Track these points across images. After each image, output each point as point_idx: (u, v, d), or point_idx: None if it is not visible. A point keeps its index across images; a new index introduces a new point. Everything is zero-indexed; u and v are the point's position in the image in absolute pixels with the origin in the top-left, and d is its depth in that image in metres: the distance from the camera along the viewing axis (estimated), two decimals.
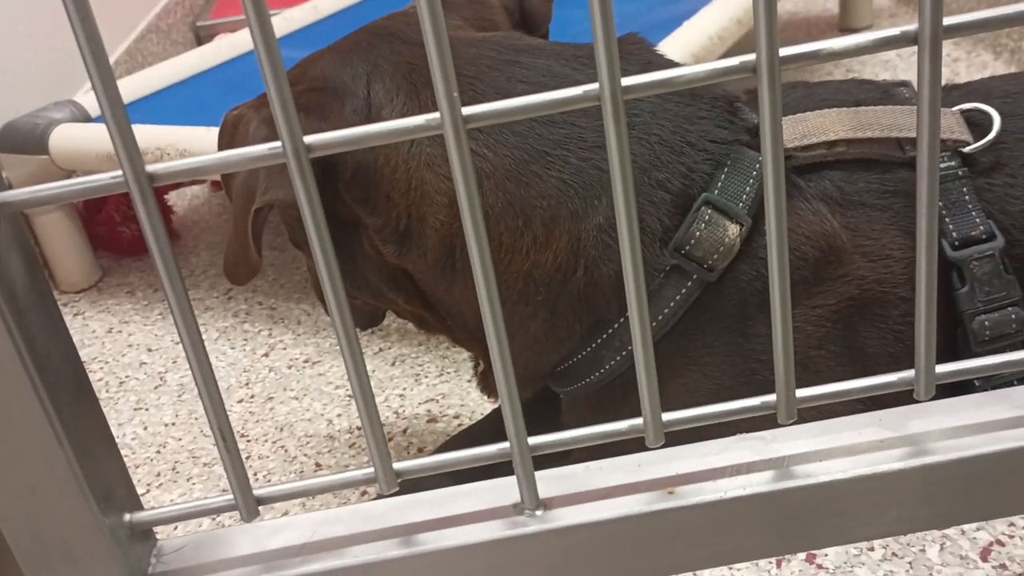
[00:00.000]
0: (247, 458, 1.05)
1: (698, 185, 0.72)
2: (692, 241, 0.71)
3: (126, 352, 1.35)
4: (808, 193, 0.72)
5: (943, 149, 0.71)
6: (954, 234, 0.69)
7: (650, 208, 0.72)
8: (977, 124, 0.73)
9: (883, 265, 0.71)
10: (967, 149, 0.72)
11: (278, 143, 0.38)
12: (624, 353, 0.73)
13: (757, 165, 0.71)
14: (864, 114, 0.73)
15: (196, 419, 1.17)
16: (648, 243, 0.72)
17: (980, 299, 0.68)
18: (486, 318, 0.42)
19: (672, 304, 0.71)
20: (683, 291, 0.71)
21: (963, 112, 0.74)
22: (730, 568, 0.80)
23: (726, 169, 0.72)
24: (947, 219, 0.69)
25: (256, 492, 0.46)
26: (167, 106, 1.53)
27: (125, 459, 0.49)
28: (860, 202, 0.72)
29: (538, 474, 0.47)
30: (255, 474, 1.06)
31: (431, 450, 1.05)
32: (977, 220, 0.69)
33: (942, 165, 0.71)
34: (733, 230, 0.70)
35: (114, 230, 1.59)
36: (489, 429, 0.98)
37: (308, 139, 0.38)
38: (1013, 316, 0.69)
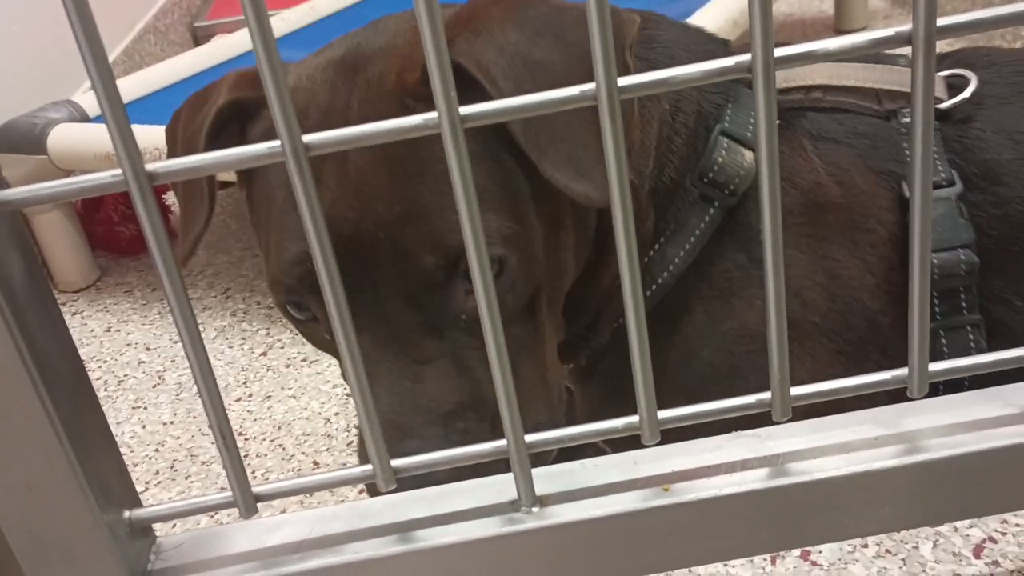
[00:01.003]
0: (245, 456, 1.05)
1: (712, 117, 0.76)
2: (715, 167, 0.75)
3: (124, 351, 1.36)
4: (789, 130, 0.77)
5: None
6: None
7: (676, 138, 0.75)
8: (959, 88, 0.77)
9: (852, 196, 0.75)
10: (942, 105, 0.76)
11: (277, 142, 0.39)
12: (652, 288, 0.76)
13: (745, 91, 0.78)
14: (843, 67, 0.77)
15: (194, 418, 1.17)
16: (680, 169, 0.75)
17: (932, 238, 0.71)
18: (483, 311, 0.42)
19: (698, 232, 0.75)
20: (707, 218, 0.75)
21: (946, 78, 0.78)
22: (725, 564, 0.80)
23: (730, 105, 0.77)
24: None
25: (255, 489, 0.46)
26: (165, 106, 1.53)
27: (123, 457, 0.50)
28: (832, 139, 0.76)
29: (534, 471, 0.48)
30: (253, 472, 1.06)
31: None
32: (939, 167, 0.74)
33: None
34: (749, 156, 0.74)
35: (112, 230, 1.60)
36: None
37: (307, 138, 0.39)
38: (962, 257, 0.72)
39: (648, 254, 0.76)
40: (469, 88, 0.59)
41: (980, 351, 0.73)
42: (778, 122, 0.38)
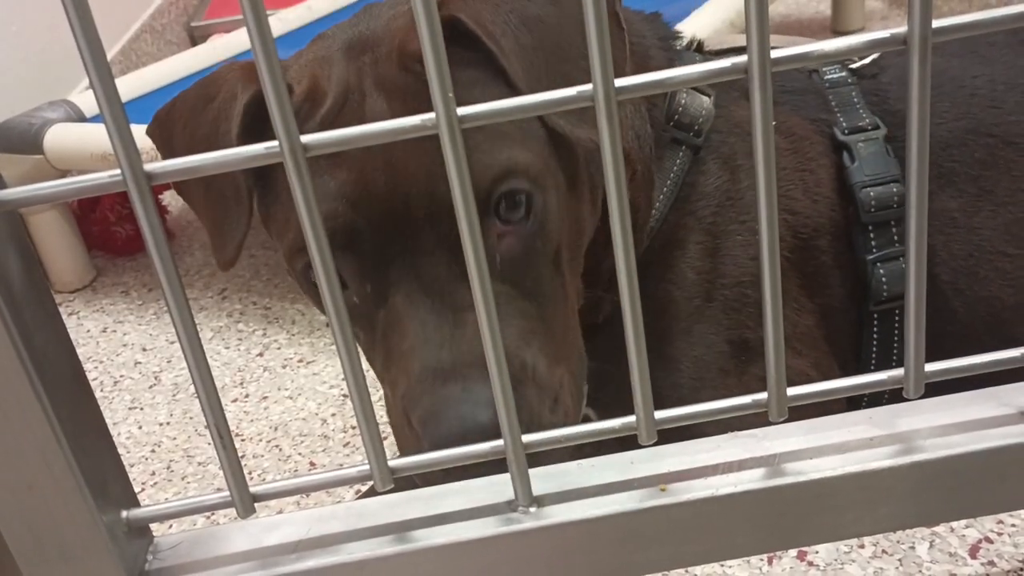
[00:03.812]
0: (241, 457, 1.05)
1: (671, 65, 0.83)
2: (680, 109, 0.81)
3: (120, 352, 1.35)
4: (731, 88, 0.84)
5: (835, 63, 0.87)
6: (844, 124, 0.83)
7: None
8: None
9: (793, 142, 0.82)
10: (853, 65, 0.86)
11: (275, 143, 0.39)
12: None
13: (697, 56, 0.87)
14: (778, 39, 0.81)
15: (191, 418, 1.17)
16: (655, 116, 0.80)
17: (866, 173, 0.80)
18: (479, 306, 0.42)
19: (673, 174, 0.80)
20: (678, 160, 0.80)
21: None
22: (722, 565, 0.80)
23: (679, 58, 0.86)
24: (838, 113, 0.84)
25: (252, 489, 0.46)
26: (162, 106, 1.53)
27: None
28: None
29: (531, 471, 0.48)
30: (250, 473, 1.06)
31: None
32: (863, 114, 0.83)
33: (835, 75, 0.86)
34: (706, 99, 0.81)
35: (108, 230, 1.59)
36: None
37: (305, 139, 0.39)
38: (895, 190, 0.80)
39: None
40: (471, 46, 0.63)
41: None
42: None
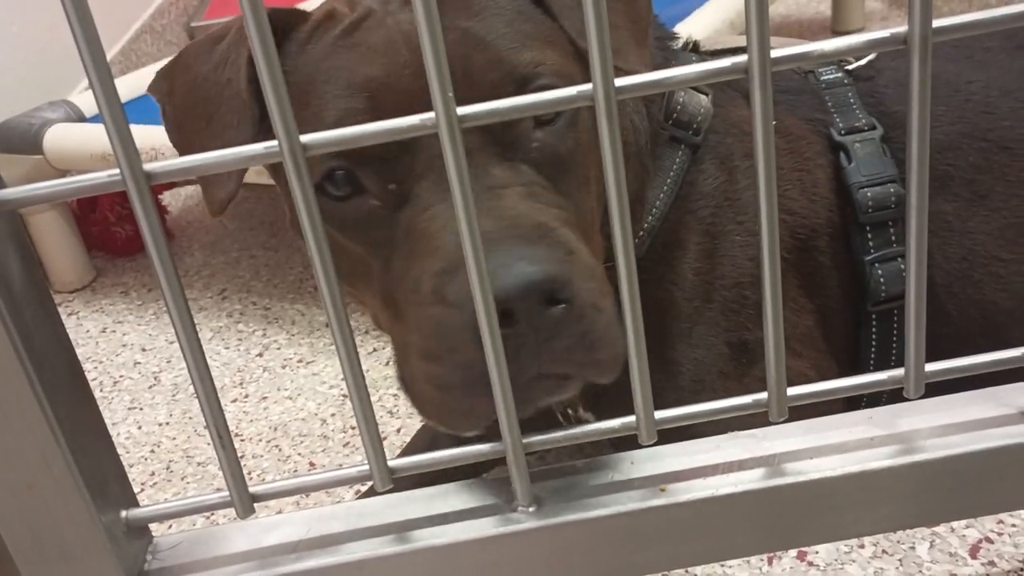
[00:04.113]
0: (241, 457, 1.05)
1: (667, 64, 0.82)
2: (679, 107, 0.80)
3: (120, 352, 1.35)
4: (729, 88, 0.83)
5: (830, 64, 0.87)
6: (840, 125, 0.83)
7: None
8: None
9: (791, 142, 0.82)
10: (849, 67, 0.86)
11: (274, 142, 0.39)
12: (640, 235, 0.79)
13: (693, 57, 0.86)
14: (777, 40, 0.80)
15: (190, 419, 1.17)
16: (653, 114, 0.80)
17: (863, 174, 0.80)
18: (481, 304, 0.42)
19: (672, 173, 0.79)
20: (677, 159, 0.80)
21: None
22: (722, 565, 0.80)
23: (675, 57, 0.86)
24: (835, 114, 0.84)
25: (251, 489, 0.46)
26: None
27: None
28: None
29: (531, 471, 0.48)
30: (249, 473, 1.06)
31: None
32: (859, 115, 0.83)
33: (832, 76, 0.86)
34: (704, 97, 0.81)
35: (108, 230, 1.60)
36: None
37: (304, 138, 0.39)
38: (892, 190, 0.80)
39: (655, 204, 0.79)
40: None
41: None
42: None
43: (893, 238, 0.80)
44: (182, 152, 0.70)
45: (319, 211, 0.64)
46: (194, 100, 0.68)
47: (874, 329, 0.82)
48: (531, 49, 0.63)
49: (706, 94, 0.82)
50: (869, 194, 0.79)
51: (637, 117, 0.79)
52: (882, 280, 0.79)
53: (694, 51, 0.88)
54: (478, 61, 0.61)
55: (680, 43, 0.88)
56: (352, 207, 0.62)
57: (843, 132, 0.83)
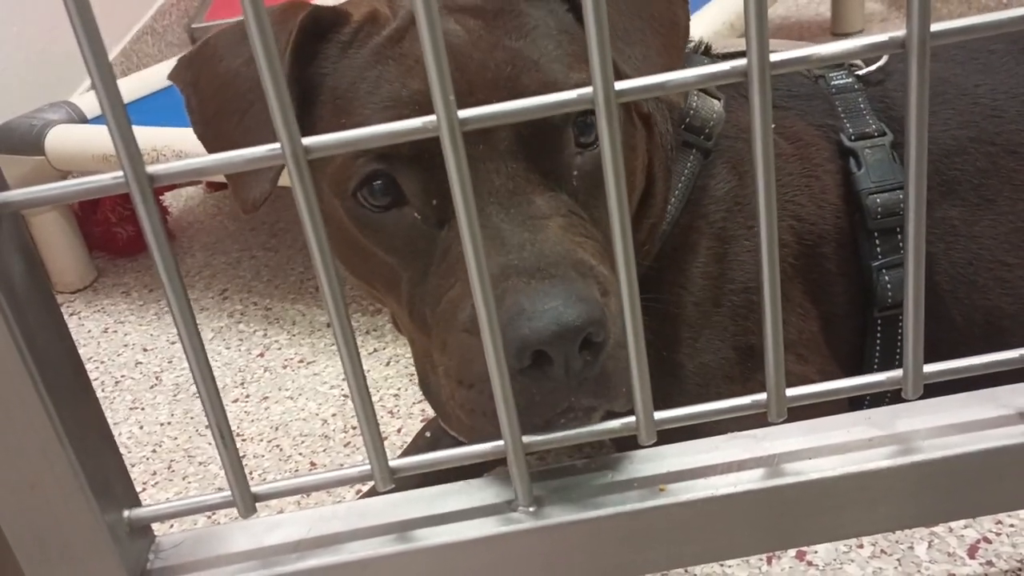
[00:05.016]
0: (242, 457, 1.06)
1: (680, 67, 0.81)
2: (691, 112, 0.80)
3: (121, 352, 1.36)
4: (737, 93, 0.84)
5: (841, 69, 0.87)
6: (851, 130, 0.83)
7: None
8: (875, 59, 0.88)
9: (800, 147, 0.82)
10: (860, 72, 0.86)
11: (277, 144, 0.39)
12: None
13: (705, 59, 0.86)
14: (772, 42, 0.80)
15: (191, 418, 1.17)
16: (668, 118, 0.80)
17: (873, 180, 0.80)
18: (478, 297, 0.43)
19: (684, 178, 0.79)
20: (689, 164, 0.80)
21: None
22: (721, 565, 0.80)
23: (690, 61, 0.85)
24: (845, 119, 0.84)
25: (253, 489, 0.46)
26: (162, 107, 1.54)
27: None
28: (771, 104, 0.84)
29: (531, 472, 0.48)
30: (250, 473, 1.06)
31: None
32: (870, 121, 0.83)
33: (842, 81, 0.85)
34: (717, 102, 0.81)
35: (109, 231, 1.60)
36: None
37: (306, 141, 0.39)
38: (901, 197, 0.79)
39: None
40: None
41: None
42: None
43: (901, 244, 0.80)
44: (209, 145, 0.70)
45: (356, 218, 0.65)
46: (225, 95, 0.67)
47: (879, 335, 0.82)
48: (578, 71, 0.63)
49: (718, 99, 0.82)
50: (878, 200, 0.79)
51: (661, 118, 0.79)
52: (889, 286, 0.79)
53: (705, 53, 0.88)
54: (527, 82, 0.61)
55: (691, 46, 0.88)
56: (391, 218, 0.62)
57: (853, 138, 0.82)
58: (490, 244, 0.56)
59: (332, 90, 0.65)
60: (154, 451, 1.12)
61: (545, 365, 0.51)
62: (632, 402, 0.53)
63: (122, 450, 1.10)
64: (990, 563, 0.77)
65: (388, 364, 1.21)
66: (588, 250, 0.59)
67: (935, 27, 0.39)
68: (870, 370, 0.83)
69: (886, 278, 0.79)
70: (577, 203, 0.62)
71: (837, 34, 2.05)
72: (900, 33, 0.40)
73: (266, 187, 0.65)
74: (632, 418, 0.46)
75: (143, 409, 1.21)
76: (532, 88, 0.60)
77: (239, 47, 0.67)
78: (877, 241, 0.80)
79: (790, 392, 0.47)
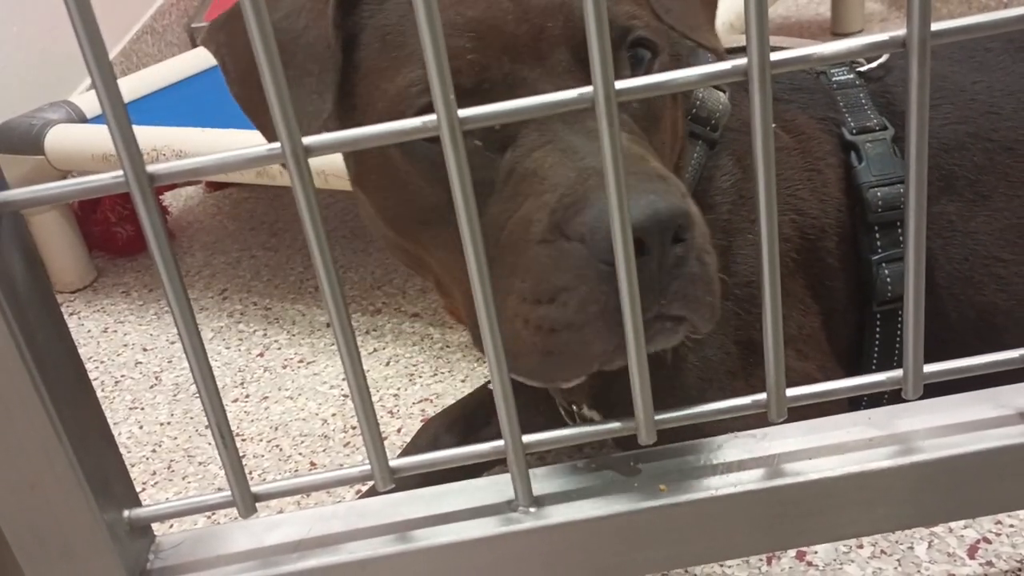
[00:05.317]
0: (242, 456, 1.05)
1: (685, 60, 0.81)
2: (698, 103, 0.79)
3: (121, 352, 1.36)
4: (740, 87, 0.83)
5: (842, 65, 0.87)
6: (852, 124, 0.83)
7: None
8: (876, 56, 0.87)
9: (802, 141, 0.82)
10: (862, 68, 0.87)
11: (277, 144, 0.39)
12: None
13: (710, 56, 0.83)
14: (774, 37, 0.80)
15: (191, 418, 1.17)
16: (686, 106, 0.79)
17: (873, 173, 0.80)
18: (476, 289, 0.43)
19: (690, 168, 0.79)
20: (695, 155, 0.79)
21: None
22: (721, 565, 0.80)
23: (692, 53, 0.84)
24: (846, 113, 0.84)
25: (253, 489, 0.46)
26: (162, 107, 1.54)
27: None
28: (774, 97, 0.84)
29: (531, 471, 0.48)
30: (250, 473, 1.06)
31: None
32: (871, 115, 0.83)
33: (844, 77, 0.86)
34: (722, 94, 0.81)
35: (109, 230, 1.60)
36: (464, 412, 0.98)
37: (307, 140, 0.39)
38: (901, 191, 0.79)
39: None
40: None
41: None
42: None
43: (900, 238, 0.80)
44: (246, 106, 0.69)
45: (410, 152, 0.64)
46: None
47: (878, 329, 0.82)
48: (627, 3, 0.63)
49: (724, 90, 0.82)
50: (879, 194, 0.80)
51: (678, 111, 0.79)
52: (888, 280, 0.79)
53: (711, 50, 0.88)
54: (579, 9, 0.60)
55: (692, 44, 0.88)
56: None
57: (854, 132, 0.83)
58: (562, 155, 0.56)
59: (380, 28, 0.64)
60: (154, 451, 1.12)
61: (643, 256, 0.49)
62: (714, 318, 0.53)
63: (122, 450, 1.10)
64: (990, 563, 0.77)
65: (388, 364, 1.21)
66: (658, 161, 0.58)
67: (935, 26, 0.39)
68: (869, 365, 0.83)
69: (886, 272, 0.79)
70: (637, 123, 0.62)
71: (837, 34, 2.05)
72: (900, 32, 0.40)
73: (327, 106, 0.64)
74: (632, 418, 0.46)
75: (143, 409, 1.21)
76: (582, 14, 0.61)
77: (273, 3, 0.65)
78: (877, 235, 0.80)
79: (790, 392, 0.47)
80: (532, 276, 0.54)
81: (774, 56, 0.39)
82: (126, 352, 1.35)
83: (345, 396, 1.16)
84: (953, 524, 0.81)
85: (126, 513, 0.48)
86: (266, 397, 1.19)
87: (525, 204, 0.57)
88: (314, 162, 0.40)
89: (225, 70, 0.69)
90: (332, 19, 0.63)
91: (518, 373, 0.58)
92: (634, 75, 0.62)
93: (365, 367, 0.52)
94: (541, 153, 0.57)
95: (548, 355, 0.54)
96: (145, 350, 1.35)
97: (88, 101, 1.50)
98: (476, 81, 0.59)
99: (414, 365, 1.21)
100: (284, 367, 1.25)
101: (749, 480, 0.48)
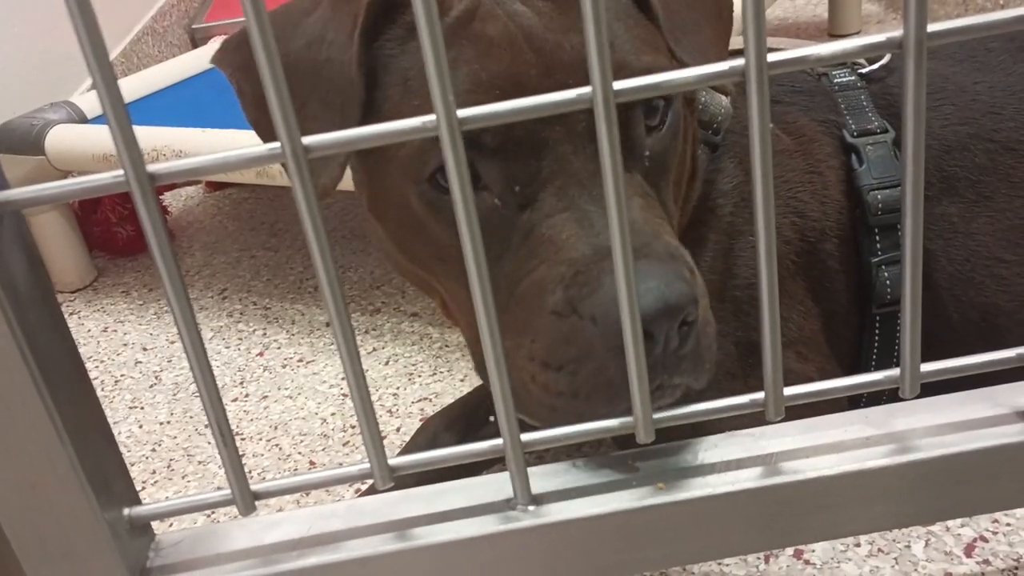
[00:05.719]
0: (241, 455, 1.06)
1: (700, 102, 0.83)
2: (700, 107, 0.79)
3: (121, 351, 1.36)
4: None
5: (844, 67, 0.87)
6: (853, 127, 0.83)
7: None
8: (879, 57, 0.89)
9: (802, 143, 0.83)
10: (863, 70, 0.87)
11: (277, 144, 0.39)
12: None
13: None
14: (772, 40, 0.80)
15: (191, 417, 1.17)
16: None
17: (874, 176, 0.81)
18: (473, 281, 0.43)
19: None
20: (699, 158, 0.79)
21: None
22: (719, 563, 0.81)
23: None
24: (848, 116, 0.84)
25: (253, 487, 0.47)
26: (163, 107, 1.54)
27: None
28: (775, 99, 0.84)
29: (530, 470, 0.48)
30: (250, 472, 1.06)
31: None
32: (872, 117, 0.84)
33: (845, 78, 0.86)
34: (725, 98, 0.81)
35: (109, 230, 1.60)
36: (463, 411, 0.98)
37: (307, 140, 0.39)
38: None
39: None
40: None
41: None
42: None
43: (901, 241, 0.80)
44: (263, 133, 0.68)
45: (429, 202, 0.64)
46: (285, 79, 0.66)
47: (877, 331, 0.82)
48: (646, 54, 0.63)
49: (727, 94, 0.82)
50: (879, 196, 0.80)
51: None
52: (888, 282, 0.80)
53: None
54: None
55: None
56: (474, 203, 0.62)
57: (855, 134, 0.83)
58: (577, 225, 0.57)
59: (403, 71, 0.64)
60: (154, 450, 1.12)
61: (649, 343, 0.52)
62: (710, 376, 0.55)
63: (122, 449, 1.10)
64: (986, 561, 0.77)
65: (387, 363, 1.21)
66: (667, 230, 0.60)
67: (931, 27, 0.40)
68: (868, 367, 0.83)
69: (885, 274, 0.80)
70: (647, 183, 0.62)
71: (834, 35, 2.05)
72: (897, 33, 0.40)
73: (336, 173, 0.64)
74: (631, 417, 0.46)
75: (143, 408, 1.22)
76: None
77: (294, 29, 0.66)
78: (877, 237, 0.80)
79: (788, 391, 0.47)
80: (543, 341, 0.56)
81: (771, 57, 0.39)
82: (126, 352, 1.36)
83: (344, 395, 1.17)
84: (950, 522, 0.81)
85: (126, 512, 0.48)
86: (266, 396, 1.19)
87: (540, 268, 0.58)
88: None
89: (240, 93, 0.69)
90: (357, 56, 0.62)
91: (523, 415, 0.60)
92: (650, 135, 0.63)
93: (364, 366, 0.52)
94: (559, 220, 0.58)
95: (554, 411, 0.56)
96: (145, 350, 1.35)
97: (88, 101, 1.50)
98: (501, 141, 0.59)
99: (413, 364, 1.21)
100: (284, 366, 1.25)
101: (747, 478, 0.48)
